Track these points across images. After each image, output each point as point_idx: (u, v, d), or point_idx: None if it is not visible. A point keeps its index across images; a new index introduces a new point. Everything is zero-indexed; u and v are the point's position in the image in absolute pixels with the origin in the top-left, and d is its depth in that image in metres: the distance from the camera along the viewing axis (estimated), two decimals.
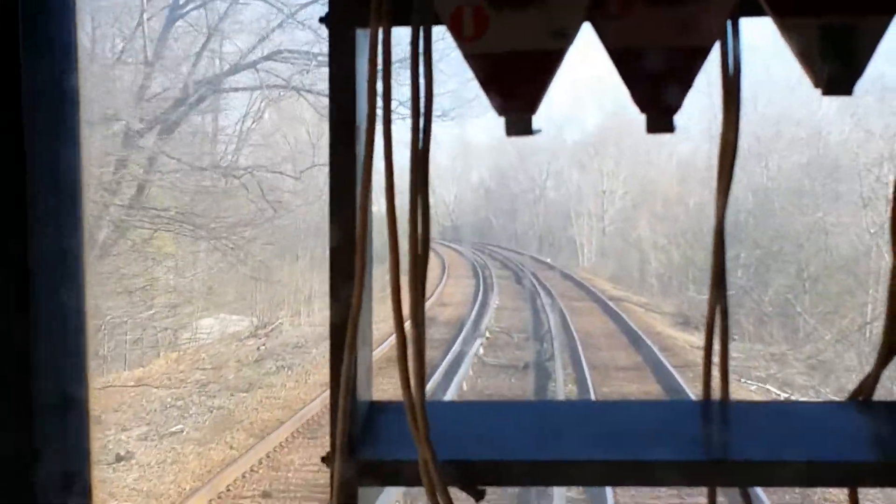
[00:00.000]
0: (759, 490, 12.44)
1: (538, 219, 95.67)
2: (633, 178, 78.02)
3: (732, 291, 44.79)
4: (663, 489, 13.67)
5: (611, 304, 39.75)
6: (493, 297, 42.47)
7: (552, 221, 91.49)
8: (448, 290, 45.72)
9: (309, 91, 36.55)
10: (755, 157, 50.15)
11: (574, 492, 14.55)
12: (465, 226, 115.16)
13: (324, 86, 39.55)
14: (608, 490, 13.69)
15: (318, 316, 40.77)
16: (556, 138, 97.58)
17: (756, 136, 50.50)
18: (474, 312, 36.01)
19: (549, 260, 74.60)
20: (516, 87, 1.67)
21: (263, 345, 33.76)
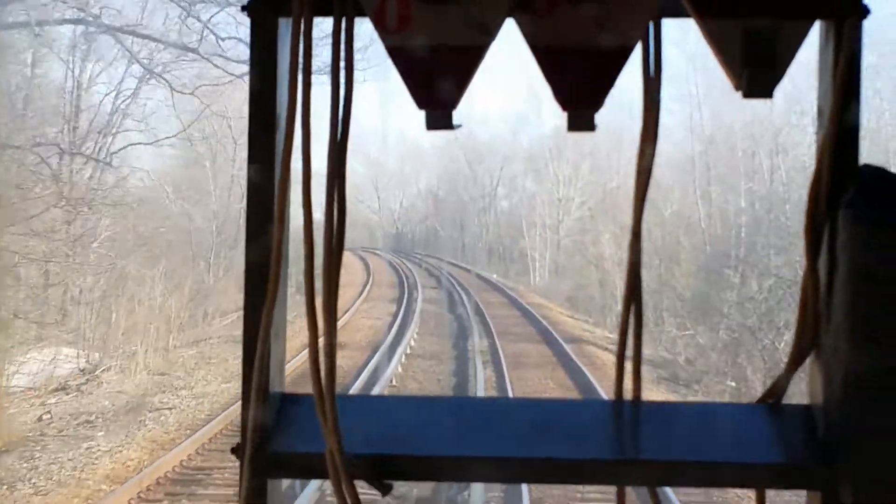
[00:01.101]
0: (668, 490, 11.47)
1: (487, 229, 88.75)
2: (593, 185, 68.57)
3: (736, 334, 33.59)
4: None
5: (568, 348, 27.99)
6: (411, 332, 30.63)
7: (503, 232, 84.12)
8: (356, 321, 33.88)
9: (131, 34, 24.92)
10: (762, 155, 38.69)
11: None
12: (409, 234, 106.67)
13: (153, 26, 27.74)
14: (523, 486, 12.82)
15: (165, 358, 28.69)
16: (511, 141, 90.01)
17: (772, 128, 39.04)
18: (374, 361, 24.18)
19: (494, 277, 63.34)
20: (438, 82, 1.65)
21: (48, 412, 21.92)
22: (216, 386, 22.71)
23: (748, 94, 1.64)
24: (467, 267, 72.94)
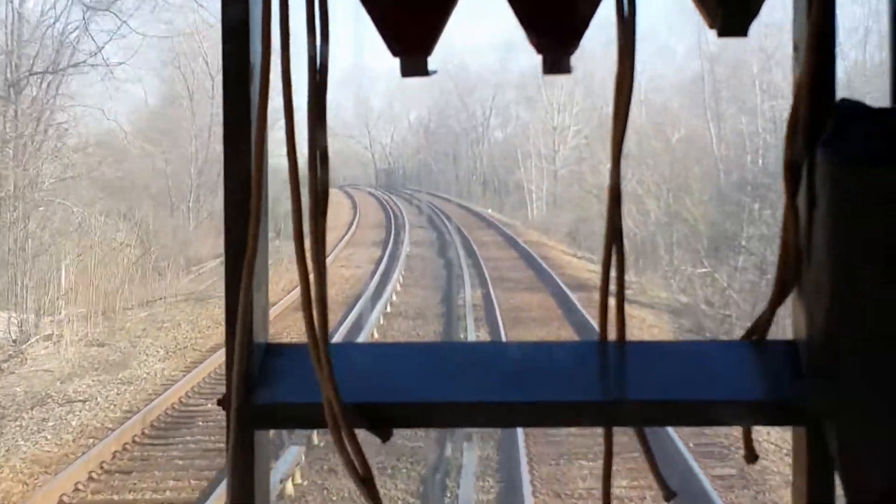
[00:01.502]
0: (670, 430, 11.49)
1: (481, 161, 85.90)
2: (589, 112, 64.84)
3: (769, 274, 29.36)
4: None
5: (574, 297, 23.72)
6: (394, 283, 26.45)
7: (497, 163, 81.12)
8: (333, 272, 29.66)
9: None
10: (782, 71, 34.12)
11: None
12: (400, 169, 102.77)
13: None
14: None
15: (111, 323, 24.56)
16: (501, 69, 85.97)
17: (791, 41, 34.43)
18: (347, 323, 20.05)
19: (489, 212, 59.29)
20: (411, 29, 1.62)
21: None
22: (151, 366, 18.42)
23: (723, 33, 1.60)
24: (460, 202, 68.90)
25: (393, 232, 41.25)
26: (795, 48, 1.64)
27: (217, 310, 24.79)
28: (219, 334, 21.26)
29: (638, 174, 43.63)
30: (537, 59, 1.63)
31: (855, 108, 1.50)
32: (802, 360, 1.62)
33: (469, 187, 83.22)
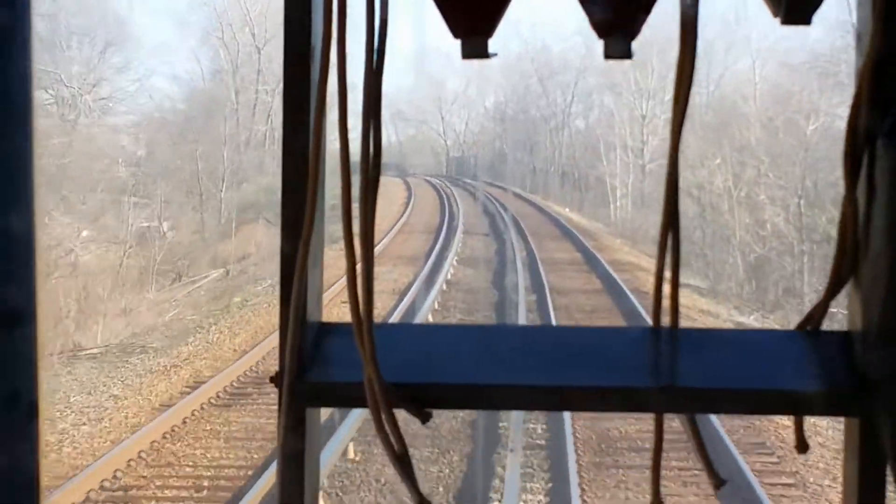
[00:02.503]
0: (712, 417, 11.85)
1: (560, 152, 77.36)
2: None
3: None
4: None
5: None
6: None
7: (577, 154, 72.82)
8: (339, 311, 20.37)
9: None
10: None
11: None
12: (472, 158, 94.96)
13: None
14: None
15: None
16: (586, 52, 78.12)
17: None
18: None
19: (566, 212, 50.08)
20: (473, 10, 1.60)
21: None
22: None
23: (786, 21, 1.56)
24: (533, 198, 59.75)
25: (441, 243, 31.80)
26: (858, 38, 1.61)
27: (142, 381, 15.59)
28: (84, 453, 12.10)
29: (754, 173, 33.64)
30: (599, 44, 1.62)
31: None
32: (856, 352, 1.59)
33: (546, 180, 75.41)
